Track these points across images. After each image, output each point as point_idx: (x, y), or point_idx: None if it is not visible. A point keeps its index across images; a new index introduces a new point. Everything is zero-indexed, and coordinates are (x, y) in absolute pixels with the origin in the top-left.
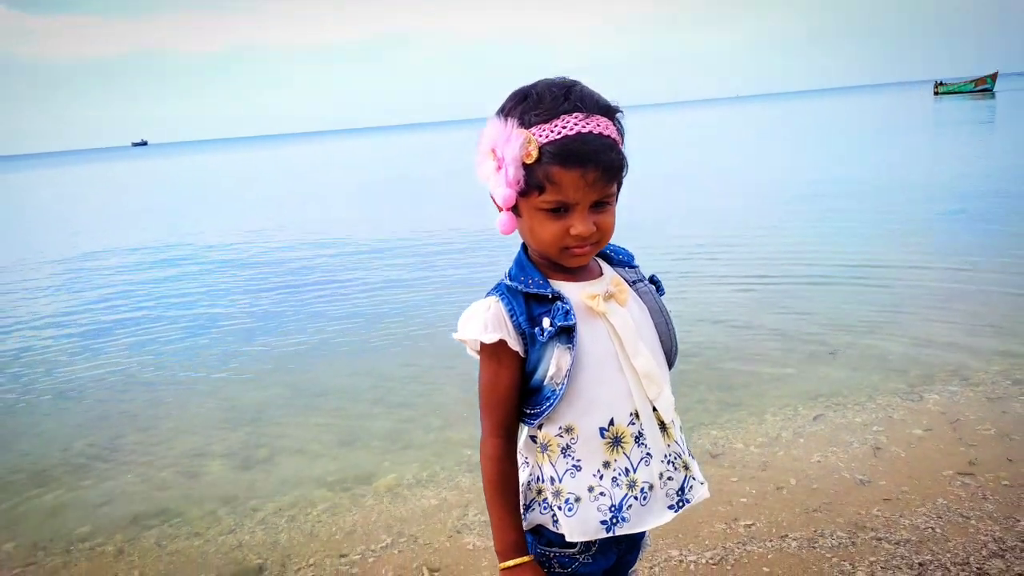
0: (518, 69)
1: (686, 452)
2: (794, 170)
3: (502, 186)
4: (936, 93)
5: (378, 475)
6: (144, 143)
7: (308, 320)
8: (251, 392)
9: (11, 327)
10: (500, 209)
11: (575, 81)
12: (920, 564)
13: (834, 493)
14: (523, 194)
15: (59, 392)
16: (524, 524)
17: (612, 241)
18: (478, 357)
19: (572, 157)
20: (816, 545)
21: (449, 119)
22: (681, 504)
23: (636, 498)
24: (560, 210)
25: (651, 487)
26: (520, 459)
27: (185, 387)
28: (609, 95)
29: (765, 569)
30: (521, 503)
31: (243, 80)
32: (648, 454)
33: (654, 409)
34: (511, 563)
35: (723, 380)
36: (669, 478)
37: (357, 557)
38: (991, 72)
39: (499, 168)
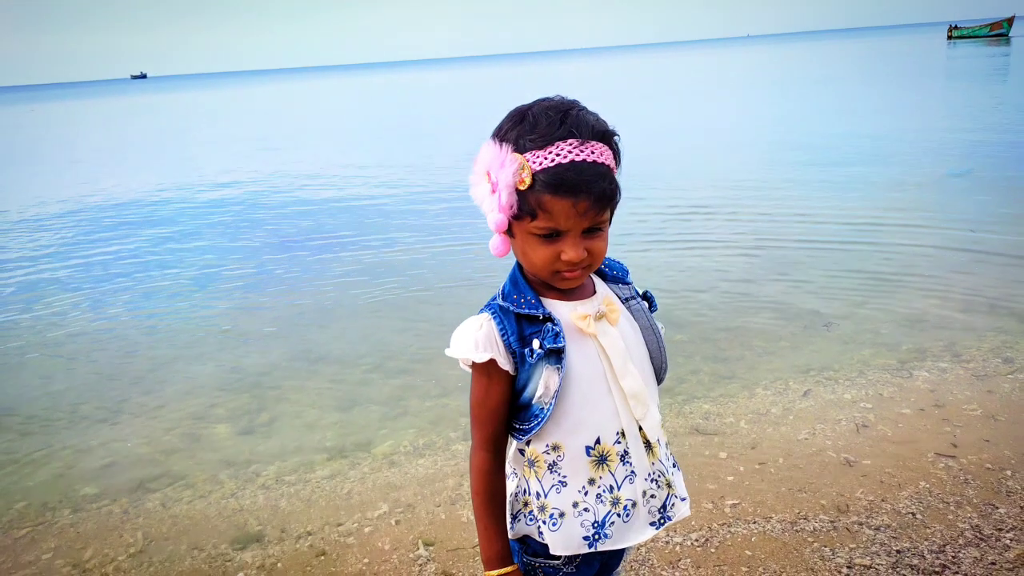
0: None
1: (669, 470)
2: (796, 122)
3: (495, 211)
4: (950, 37)
5: (376, 442)
6: (143, 76)
7: (309, 278)
8: (252, 355)
9: (15, 276)
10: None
11: (573, 103)
12: (898, 551)
13: (819, 473)
14: (516, 218)
15: (66, 351)
16: (511, 533)
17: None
18: (470, 371)
19: (564, 186)
20: (799, 528)
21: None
22: (663, 521)
23: (619, 515)
24: (552, 235)
25: (634, 504)
26: (509, 469)
27: (187, 348)
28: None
29: (748, 552)
30: (508, 513)
31: (245, 12)
32: (632, 472)
33: (640, 428)
34: (496, 572)
35: (718, 351)
36: (652, 496)
37: (354, 526)
38: (1007, 16)
39: (493, 191)
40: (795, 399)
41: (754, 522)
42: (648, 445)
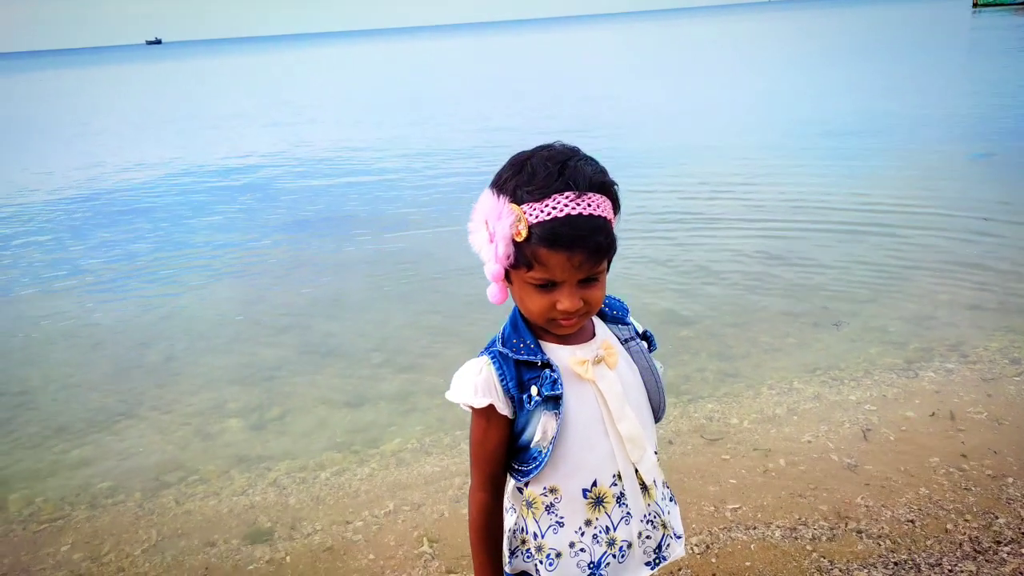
0: None
1: (665, 510)
2: (811, 98)
3: (491, 260)
4: (975, 6)
5: (384, 439)
6: (158, 41)
7: (323, 263)
8: (264, 349)
9: (32, 259)
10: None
11: (572, 152)
12: (895, 564)
13: (821, 477)
14: (513, 267)
15: (83, 340)
16: (509, 568)
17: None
18: (470, 411)
19: (560, 240)
20: (798, 536)
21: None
22: (658, 561)
23: (615, 556)
24: (548, 285)
25: (630, 545)
26: (507, 504)
27: (201, 338)
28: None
29: (747, 563)
30: (507, 548)
31: None
32: (628, 514)
33: (636, 471)
34: None
35: (723, 349)
36: (648, 537)
37: (361, 524)
38: None
39: (491, 241)
40: (800, 400)
41: (754, 528)
42: (644, 487)
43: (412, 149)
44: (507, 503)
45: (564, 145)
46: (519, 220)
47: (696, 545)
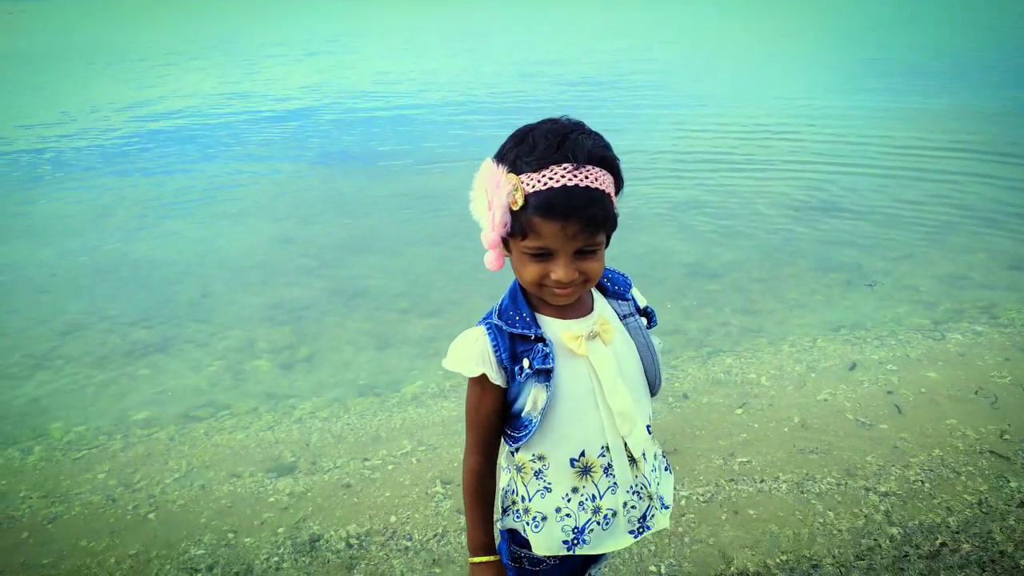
0: None
1: (652, 483)
2: (867, 35)
3: (488, 228)
4: None
5: (405, 382)
6: None
7: (355, 202)
8: (295, 288)
9: (73, 192)
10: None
11: (575, 126)
12: (899, 521)
13: (833, 435)
14: (510, 235)
15: (125, 273)
16: (500, 525)
17: (613, 267)
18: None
19: (553, 210)
20: (804, 490)
21: None
22: (642, 530)
23: (599, 523)
24: (542, 255)
25: (614, 514)
26: (504, 465)
27: (237, 276)
28: None
29: (751, 512)
30: (500, 506)
31: None
32: (615, 484)
33: (626, 444)
34: (479, 559)
35: (748, 304)
36: (632, 507)
37: (379, 462)
38: None
39: (489, 209)
40: (820, 357)
41: (761, 481)
42: (632, 460)
43: (453, 81)
44: (503, 463)
45: (569, 119)
46: (516, 189)
47: (701, 495)
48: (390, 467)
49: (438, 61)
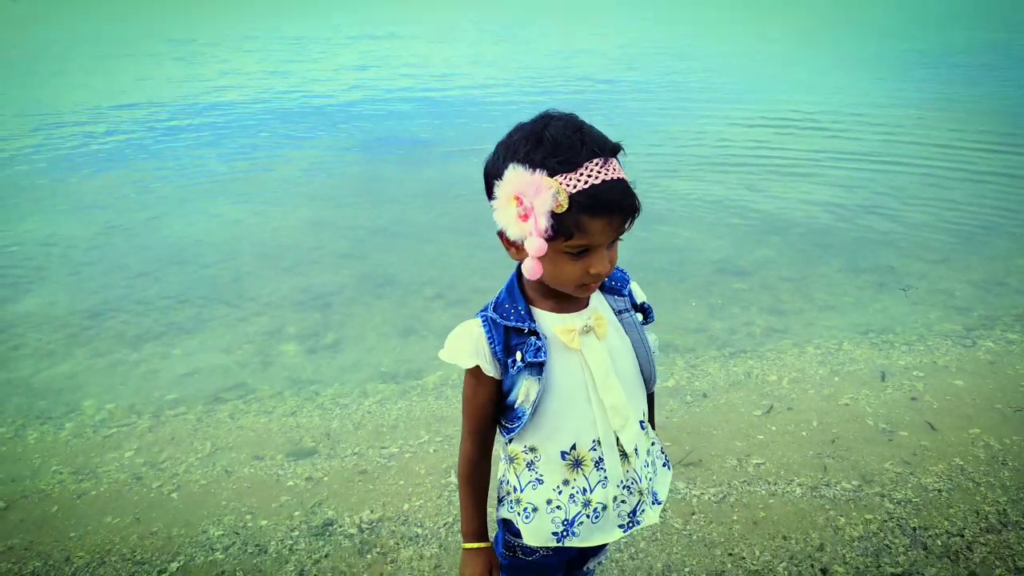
0: None
1: (644, 478)
2: (913, 28)
3: (532, 236)
4: None
5: (427, 371)
6: None
7: (388, 191)
8: (325, 274)
9: (113, 175)
10: (507, 246)
11: (575, 117)
12: (913, 529)
13: (852, 440)
14: (551, 238)
15: (158, 255)
16: (496, 514)
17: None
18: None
19: (600, 206)
20: (818, 494)
21: None
22: (631, 525)
23: (589, 516)
24: (582, 252)
25: (604, 508)
26: (501, 455)
27: (268, 260)
28: None
29: (761, 513)
30: (497, 495)
31: None
32: (605, 478)
33: (618, 439)
34: (471, 545)
35: (776, 303)
36: (623, 501)
37: (396, 451)
38: None
39: (525, 217)
40: (844, 361)
41: (775, 484)
42: (624, 454)
43: (493, 68)
44: (501, 453)
45: (561, 112)
46: (560, 192)
47: (713, 495)
48: (407, 456)
49: (484, 47)
